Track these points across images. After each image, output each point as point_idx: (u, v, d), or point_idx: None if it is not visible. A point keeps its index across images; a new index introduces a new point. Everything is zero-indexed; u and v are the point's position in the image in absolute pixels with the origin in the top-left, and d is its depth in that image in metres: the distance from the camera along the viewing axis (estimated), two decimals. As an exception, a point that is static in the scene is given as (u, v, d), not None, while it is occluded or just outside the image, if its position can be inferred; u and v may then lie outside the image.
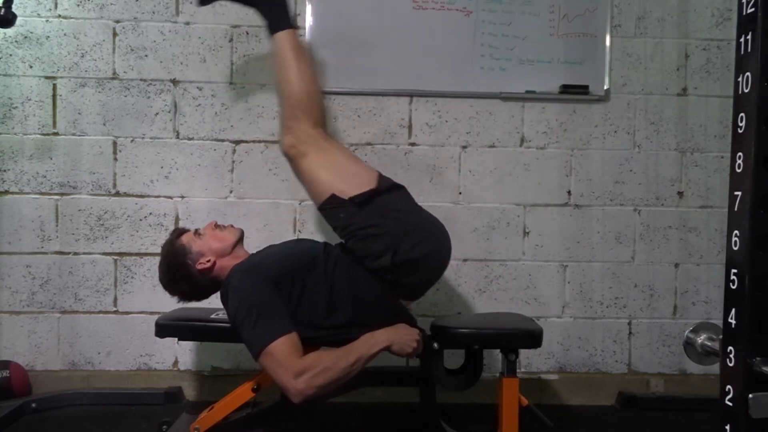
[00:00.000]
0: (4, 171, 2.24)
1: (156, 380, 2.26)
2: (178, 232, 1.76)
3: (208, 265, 1.68)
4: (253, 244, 1.86)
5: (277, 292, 1.57)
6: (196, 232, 1.74)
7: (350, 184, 1.65)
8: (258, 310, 1.52)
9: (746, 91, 0.90)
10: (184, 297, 1.75)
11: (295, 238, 2.24)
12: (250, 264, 1.65)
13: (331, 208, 1.65)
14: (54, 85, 2.24)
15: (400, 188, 1.73)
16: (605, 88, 2.30)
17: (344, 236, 1.66)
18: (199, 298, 1.76)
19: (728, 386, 0.92)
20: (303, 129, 1.71)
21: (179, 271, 1.70)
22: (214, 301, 1.82)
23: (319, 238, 2.21)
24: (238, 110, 2.27)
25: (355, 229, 1.62)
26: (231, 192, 2.28)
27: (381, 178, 1.70)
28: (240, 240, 1.76)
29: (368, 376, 1.70)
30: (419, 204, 1.76)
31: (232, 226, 1.79)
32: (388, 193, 1.68)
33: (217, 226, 1.76)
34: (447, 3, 2.25)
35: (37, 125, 2.24)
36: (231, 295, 1.57)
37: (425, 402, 1.80)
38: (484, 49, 2.26)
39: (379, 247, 1.60)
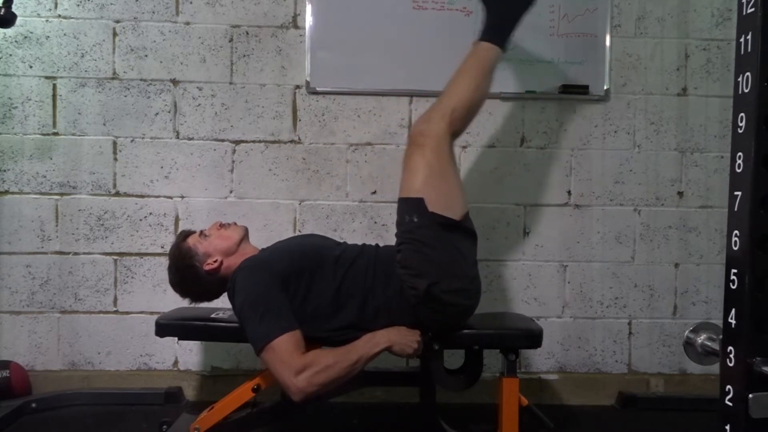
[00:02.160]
0: (4, 171, 2.24)
1: (156, 380, 2.26)
2: (184, 235, 1.77)
3: (216, 265, 1.69)
4: (253, 244, 1.86)
5: (283, 288, 1.57)
6: (201, 233, 1.75)
7: (440, 201, 1.62)
8: (263, 305, 1.52)
9: (746, 91, 0.90)
10: (195, 298, 1.77)
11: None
12: (258, 260, 1.65)
13: (410, 207, 1.62)
14: (54, 85, 2.24)
15: (474, 237, 1.71)
16: (605, 88, 2.30)
17: (401, 237, 1.64)
18: (210, 298, 1.77)
19: (728, 386, 0.92)
20: (441, 128, 1.67)
21: (187, 273, 1.71)
22: (216, 301, 1.83)
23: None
24: (238, 110, 2.27)
25: (415, 239, 1.60)
26: (231, 192, 2.28)
27: (467, 216, 1.68)
28: (245, 237, 1.77)
29: (368, 376, 1.70)
30: None
31: (235, 223, 1.80)
32: (464, 232, 1.66)
33: (221, 225, 1.77)
34: (447, 3, 2.25)
35: (37, 125, 2.24)
36: (237, 290, 1.57)
37: (425, 402, 1.80)
38: (484, 49, 2.26)
39: (425, 268, 1.58)
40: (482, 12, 1.83)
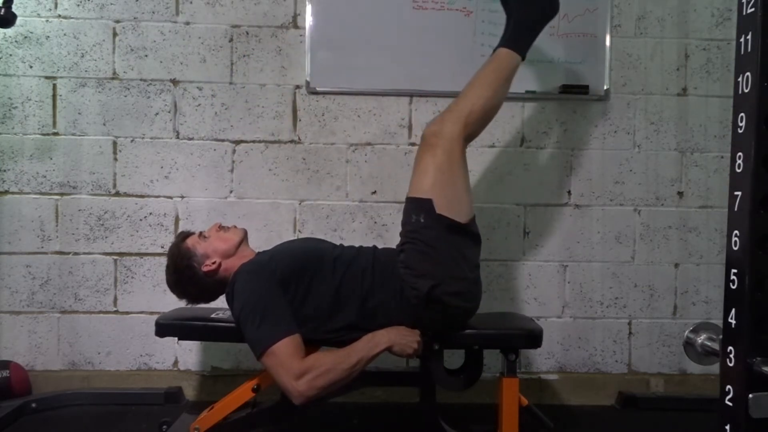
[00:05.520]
0: (4, 171, 2.24)
1: (156, 380, 2.26)
2: (183, 236, 1.77)
3: (214, 266, 1.69)
4: (252, 245, 1.86)
5: (283, 291, 1.57)
6: (201, 234, 1.75)
7: (448, 203, 1.62)
8: (263, 310, 1.52)
9: (746, 91, 0.90)
10: (192, 299, 1.76)
11: (295, 238, 2.24)
12: (257, 263, 1.65)
13: (418, 207, 1.63)
14: (54, 85, 2.24)
15: (478, 241, 1.71)
16: (605, 88, 2.30)
17: (406, 237, 1.65)
18: (207, 300, 1.77)
19: (728, 386, 0.92)
20: (455, 130, 1.67)
21: (185, 273, 1.70)
22: (214, 302, 1.83)
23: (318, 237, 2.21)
24: (238, 110, 2.27)
25: (420, 239, 1.61)
26: (231, 192, 2.28)
27: (473, 220, 1.69)
28: (244, 240, 1.77)
29: (368, 376, 1.70)
30: None
31: (235, 226, 1.80)
32: (469, 237, 1.66)
33: (221, 227, 1.77)
34: (447, 3, 2.25)
35: (37, 125, 2.24)
36: (236, 294, 1.57)
37: (425, 402, 1.80)
38: (484, 49, 2.26)
39: (428, 269, 1.59)
40: (505, 18, 1.82)
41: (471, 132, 1.71)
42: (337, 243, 1.81)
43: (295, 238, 2.24)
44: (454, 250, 1.62)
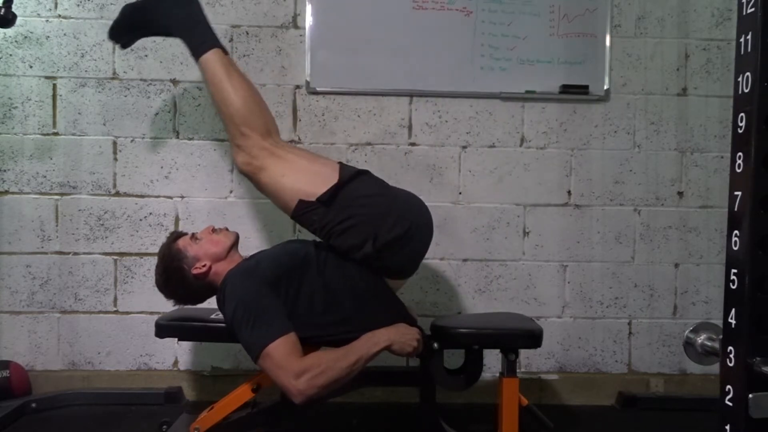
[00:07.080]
0: (4, 171, 2.24)
1: (156, 380, 2.26)
2: (175, 236, 1.76)
3: (204, 269, 1.69)
4: (252, 245, 1.86)
5: (274, 293, 1.57)
6: (193, 236, 1.74)
7: (313, 184, 1.65)
8: (255, 312, 1.52)
9: (746, 91, 0.90)
10: (180, 301, 1.76)
11: (295, 238, 2.24)
12: (245, 267, 1.65)
13: (302, 214, 1.66)
14: (54, 85, 2.24)
15: (364, 173, 1.73)
16: (605, 88, 2.30)
17: (324, 236, 1.67)
18: (194, 302, 1.77)
19: (728, 386, 0.92)
20: (253, 143, 1.70)
21: (175, 275, 1.70)
22: (213, 302, 1.83)
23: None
24: (238, 110, 2.27)
25: (332, 227, 1.63)
26: (231, 192, 2.28)
27: (342, 168, 1.70)
28: (235, 244, 1.76)
29: (368, 376, 1.70)
30: None
31: (226, 229, 1.79)
32: (352, 182, 1.67)
33: (213, 230, 1.77)
34: (447, 3, 2.25)
35: (37, 125, 2.24)
36: (227, 299, 1.57)
37: (425, 402, 1.80)
38: (484, 49, 2.26)
39: (359, 237, 1.61)
40: (180, 41, 1.87)
41: (262, 128, 1.73)
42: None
43: (295, 238, 2.23)
44: (355, 201, 1.65)
